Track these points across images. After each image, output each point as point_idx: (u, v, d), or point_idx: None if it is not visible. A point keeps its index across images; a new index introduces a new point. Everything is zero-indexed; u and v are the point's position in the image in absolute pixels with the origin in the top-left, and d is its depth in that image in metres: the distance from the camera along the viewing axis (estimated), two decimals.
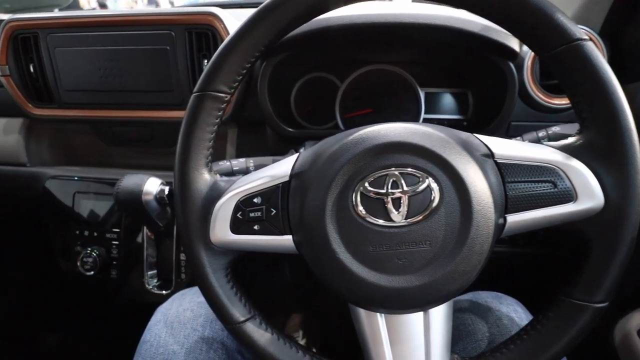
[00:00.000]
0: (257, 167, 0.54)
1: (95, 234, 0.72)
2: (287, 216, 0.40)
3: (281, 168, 0.42)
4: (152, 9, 0.65)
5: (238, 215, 0.40)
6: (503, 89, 0.61)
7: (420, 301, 0.38)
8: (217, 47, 0.66)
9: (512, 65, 0.59)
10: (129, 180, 0.59)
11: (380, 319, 0.41)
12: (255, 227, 0.40)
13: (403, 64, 0.72)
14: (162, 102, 0.68)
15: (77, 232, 0.72)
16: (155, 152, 0.81)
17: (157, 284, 0.71)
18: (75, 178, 0.75)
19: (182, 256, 0.69)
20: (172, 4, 3.09)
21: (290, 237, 0.40)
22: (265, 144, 0.72)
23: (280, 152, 0.72)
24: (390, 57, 0.72)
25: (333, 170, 0.37)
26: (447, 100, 0.74)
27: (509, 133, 0.66)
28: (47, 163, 0.82)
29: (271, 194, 0.40)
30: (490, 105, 0.67)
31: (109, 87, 0.69)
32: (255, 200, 0.40)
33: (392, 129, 0.38)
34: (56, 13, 0.68)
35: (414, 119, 0.73)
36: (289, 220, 0.40)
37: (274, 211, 0.40)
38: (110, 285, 0.72)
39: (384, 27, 0.57)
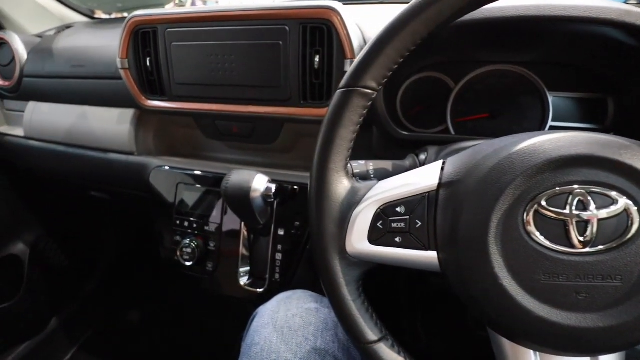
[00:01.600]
0: (377, 171, 0.50)
1: (195, 225, 0.73)
2: (433, 230, 0.35)
3: (426, 176, 0.37)
4: (266, 4, 0.64)
5: (378, 224, 0.37)
6: None
7: (598, 346, 0.31)
8: (332, 43, 0.65)
9: None
10: (237, 176, 0.58)
11: (534, 358, 0.35)
12: (397, 240, 0.36)
13: (528, 65, 0.65)
14: (268, 97, 0.67)
15: (178, 222, 0.74)
16: (254, 148, 0.81)
17: (249, 281, 0.71)
18: (179, 169, 0.77)
19: (278, 256, 0.68)
20: None
21: (434, 253, 0.35)
22: (368, 146, 0.68)
23: (385, 155, 0.68)
24: (514, 56, 0.65)
25: (502, 184, 0.32)
26: (579, 106, 0.65)
27: None
28: (152, 153, 0.85)
29: (417, 204, 0.36)
30: (638, 116, 0.58)
31: (218, 82, 0.69)
32: (398, 209, 0.36)
33: (573, 139, 0.32)
34: (174, 9, 0.70)
35: (538, 126, 0.65)
36: (435, 235, 0.35)
37: (419, 223, 0.36)
38: (205, 277, 0.73)
39: (546, 20, 0.49)
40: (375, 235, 0.37)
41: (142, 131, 0.84)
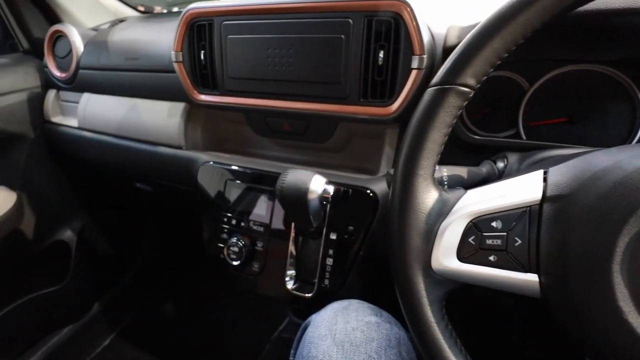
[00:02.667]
0: (451, 178, 0.46)
1: (242, 224, 0.71)
2: (535, 250, 0.31)
3: (525, 187, 0.33)
4: None
5: (469, 239, 0.33)
6: None
7: None
8: (399, 38, 0.61)
9: None
10: (294, 176, 0.56)
11: None
12: (491, 258, 0.32)
13: (617, 64, 0.58)
14: (325, 94, 0.64)
15: (225, 219, 0.73)
16: (303, 146, 0.78)
17: (295, 285, 0.68)
18: (228, 166, 0.75)
19: (329, 261, 0.65)
20: None
21: (535, 276, 0.31)
22: None
23: (451, 160, 0.63)
24: (600, 54, 0.58)
25: (631, 202, 0.27)
26: None
27: None
28: (199, 147, 0.84)
29: (516, 219, 0.32)
30: None
31: (272, 76, 0.67)
32: (493, 224, 0.32)
33: None
34: (231, 1, 0.68)
35: (627, 133, 0.58)
36: (537, 255, 0.31)
37: (519, 241, 0.31)
38: (250, 277, 0.71)
39: None
40: (466, 252, 0.33)
41: (191, 125, 0.83)
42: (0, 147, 1.02)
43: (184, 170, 0.81)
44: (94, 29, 1.06)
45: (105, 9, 1.15)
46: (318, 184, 0.55)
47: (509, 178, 0.36)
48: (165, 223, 1.51)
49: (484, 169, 0.49)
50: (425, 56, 0.56)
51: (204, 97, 0.75)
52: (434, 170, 0.34)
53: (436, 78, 0.34)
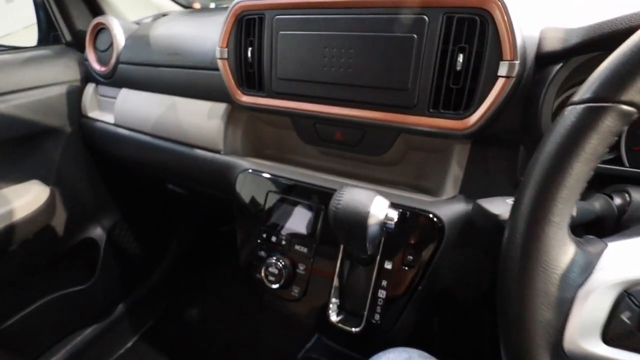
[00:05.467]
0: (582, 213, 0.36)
1: (284, 242, 0.64)
2: None
3: None
4: None
5: (623, 316, 0.23)
6: None
7: None
8: (485, 39, 0.51)
9: None
10: (352, 196, 0.47)
11: None
12: None
13: None
14: (389, 102, 0.56)
15: (265, 235, 0.65)
16: (353, 157, 0.70)
17: (339, 318, 0.60)
18: (270, 175, 0.68)
19: (381, 293, 0.56)
20: None
21: None
22: (511, 170, 0.54)
23: None
24: None
25: None
26: None
27: None
28: (238, 152, 0.78)
29: None
30: None
31: (327, 79, 0.59)
32: None
33: None
34: None
35: None
36: None
37: None
38: (289, 304, 0.64)
39: None
40: (616, 333, 0.24)
41: (231, 128, 0.77)
42: (37, 140, 1.00)
43: (221, 176, 0.75)
44: (137, 23, 1.03)
45: (149, 2, 1.12)
46: (380, 208, 0.47)
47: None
48: (198, 225, 1.47)
49: (597, 204, 0.39)
50: (517, 62, 0.47)
51: (247, 99, 0.68)
52: (572, 216, 0.25)
53: (585, 93, 0.25)
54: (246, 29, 0.65)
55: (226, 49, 0.68)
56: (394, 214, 0.47)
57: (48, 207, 0.99)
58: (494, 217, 0.36)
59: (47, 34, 1.13)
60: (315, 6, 0.58)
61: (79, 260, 1.15)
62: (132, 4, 1.09)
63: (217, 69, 0.70)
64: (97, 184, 1.14)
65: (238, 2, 0.65)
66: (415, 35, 0.52)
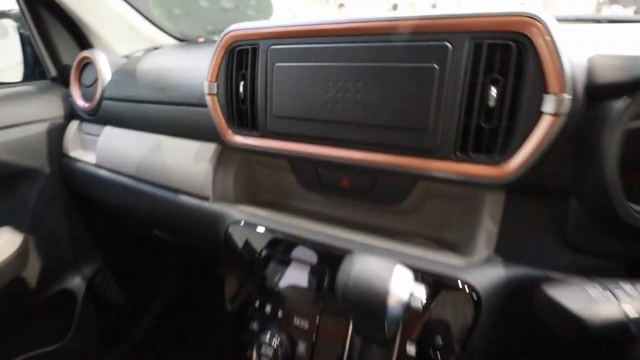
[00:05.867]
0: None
1: (280, 314, 0.52)
2: None
3: None
4: (416, 12, 0.45)
5: None
6: None
7: None
8: (524, 69, 0.40)
9: None
10: (365, 266, 0.37)
11: None
12: None
13: None
14: (406, 144, 0.46)
15: (257, 303, 0.54)
16: (368, 207, 0.60)
17: None
18: (265, 229, 0.58)
19: None
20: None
21: None
22: (559, 227, 0.44)
23: (596, 248, 0.43)
24: None
25: None
26: None
27: None
28: (230, 199, 0.68)
29: None
30: None
31: (331, 117, 0.50)
32: None
33: None
34: (282, 21, 0.53)
35: None
36: None
37: None
38: None
39: None
40: None
41: (221, 172, 0.67)
42: (12, 182, 0.91)
43: (209, 227, 0.64)
44: (127, 57, 0.96)
45: (141, 35, 1.06)
46: (403, 283, 0.36)
47: None
48: (186, 270, 1.35)
49: None
50: (567, 96, 0.38)
51: (239, 139, 0.59)
52: None
53: None
54: (238, 61, 0.58)
55: (215, 84, 0.60)
56: (422, 292, 0.37)
57: (19, 257, 0.88)
58: (581, 323, 0.25)
59: (33, 69, 1.07)
60: (316, 34, 0.50)
61: (52, 315, 1.02)
62: (123, 37, 1.04)
63: (205, 106, 0.62)
64: (76, 228, 1.03)
65: (229, 32, 0.57)
66: (436, 66, 0.43)
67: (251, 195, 0.71)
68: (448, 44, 0.42)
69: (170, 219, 0.74)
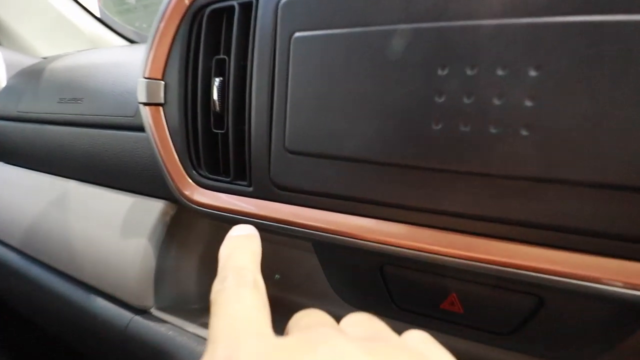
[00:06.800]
0: None
1: None
2: None
3: None
4: None
5: None
6: None
7: None
8: None
9: None
10: None
11: None
12: None
13: None
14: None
15: None
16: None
17: None
18: None
19: None
20: None
21: None
22: None
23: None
24: None
25: None
26: None
27: None
28: (188, 307, 0.35)
29: None
30: None
31: (447, 159, 0.20)
32: None
33: None
34: None
35: None
36: None
37: None
38: None
39: None
40: None
41: (173, 256, 0.35)
42: None
43: None
44: (45, 58, 0.65)
45: (79, 33, 0.75)
46: None
47: None
48: None
49: None
50: None
51: (207, 198, 0.28)
52: None
53: None
54: (210, 34, 0.27)
55: (161, 83, 0.29)
56: None
57: None
58: None
59: None
60: None
61: None
62: (50, 35, 0.72)
63: (141, 129, 0.31)
64: None
65: None
66: None
67: None
68: None
69: (79, 330, 0.40)
